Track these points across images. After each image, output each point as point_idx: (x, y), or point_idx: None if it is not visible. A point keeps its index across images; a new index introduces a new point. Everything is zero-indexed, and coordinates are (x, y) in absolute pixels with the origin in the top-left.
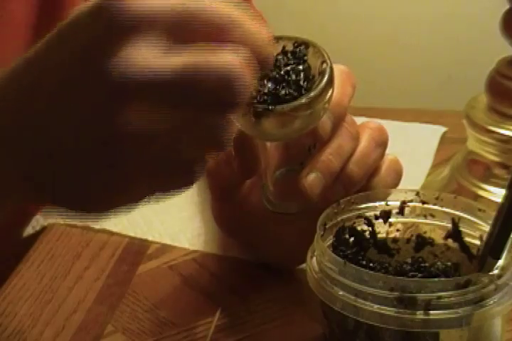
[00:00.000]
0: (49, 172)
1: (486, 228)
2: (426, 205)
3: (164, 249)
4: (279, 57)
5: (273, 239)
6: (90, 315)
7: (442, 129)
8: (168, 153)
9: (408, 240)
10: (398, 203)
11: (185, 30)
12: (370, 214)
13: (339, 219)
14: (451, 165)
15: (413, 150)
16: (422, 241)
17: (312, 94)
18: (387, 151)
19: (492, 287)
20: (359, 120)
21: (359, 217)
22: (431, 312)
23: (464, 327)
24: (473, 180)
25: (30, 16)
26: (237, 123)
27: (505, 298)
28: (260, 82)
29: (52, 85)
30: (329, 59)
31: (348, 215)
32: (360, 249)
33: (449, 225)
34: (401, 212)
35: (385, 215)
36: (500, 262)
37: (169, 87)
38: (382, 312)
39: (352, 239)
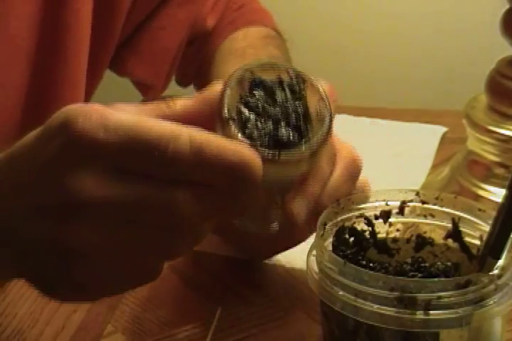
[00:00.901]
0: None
1: (486, 228)
2: (426, 205)
3: None
4: (276, 89)
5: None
6: (90, 314)
7: (443, 129)
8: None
9: (408, 240)
10: (398, 203)
11: (135, 162)
12: (370, 214)
13: (339, 219)
14: (451, 165)
15: (413, 150)
16: (422, 241)
17: (315, 144)
18: (389, 151)
19: (492, 287)
20: (359, 120)
21: (359, 216)
22: (431, 312)
23: (464, 327)
24: (474, 180)
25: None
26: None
27: (505, 298)
28: (259, 118)
29: (5, 189)
30: (327, 97)
31: (348, 215)
32: (360, 249)
33: (449, 225)
34: (401, 212)
35: (385, 215)
36: (501, 262)
37: (115, 212)
38: (382, 312)
39: (352, 238)
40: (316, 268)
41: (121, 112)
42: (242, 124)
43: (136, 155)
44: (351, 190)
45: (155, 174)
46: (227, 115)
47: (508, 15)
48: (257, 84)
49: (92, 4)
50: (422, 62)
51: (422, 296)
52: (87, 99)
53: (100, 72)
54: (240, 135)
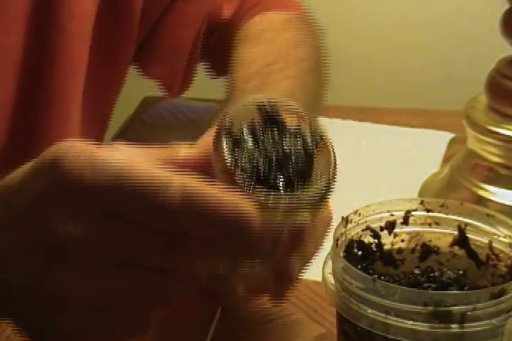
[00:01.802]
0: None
1: (495, 233)
2: (431, 213)
3: None
4: (273, 131)
5: None
6: None
7: (450, 135)
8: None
9: (413, 250)
10: (403, 213)
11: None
12: (376, 225)
13: (347, 233)
14: (451, 165)
15: (420, 156)
16: (426, 250)
17: (320, 193)
18: (396, 157)
19: None
20: (364, 125)
21: (365, 229)
22: (466, 324)
23: (498, 338)
24: (474, 180)
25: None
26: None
27: None
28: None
29: None
30: (335, 163)
31: (356, 228)
32: (368, 263)
33: (455, 232)
34: (405, 221)
35: (390, 226)
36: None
37: (101, 257)
38: (416, 328)
39: (360, 252)
40: (337, 286)
41: (115, 152)
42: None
43: (122, 198)
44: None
45: (143, 221)
46: (231, 165)
47: (508, 15)
48: (272, 121)
49: (92, 19)
50: (422, 62)
51: (457, 309)
52: (109, 105)
53: (120, 78)
54: (243, 183)
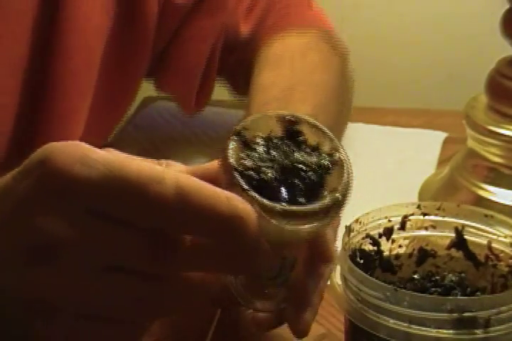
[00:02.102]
0: None
1: (494, 234)
2: (427, 217)
3: None
4: (289, 146)
5: None
6: None
7: (443, 135)
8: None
9: (410, 255)
10: (400, 218)
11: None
12: (375, 232)
13: (350, 242)
14: (451, 165)
15: (415, 156)
16: (424, 254)
17: (323, 206)
18: (390, 158)
19: None
20: (358, 126)
21: (365, 237)
22: (490, 329)
23: None
24: (474, 180)
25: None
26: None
27: None
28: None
29: None
30: (342, 147)
31: (357, 238)
32: (370, 271)
33: (453, 235)
34: (402, 227)
35: (388, 232)
36: None
37: (87, 258)
38: (440, 335)
39: (362, 261)
40: (351, 297)
41: (106, 151)
42: (249, 175)
43: (113, 193)
44: None
45: (133, 219)
46: (234, 164)
47: (508, 15)
48: (291, 136)
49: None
50: (422, 62)
51: (482, 314)
52: (118, 115)
53: (132, 90)
54: (244, 185)
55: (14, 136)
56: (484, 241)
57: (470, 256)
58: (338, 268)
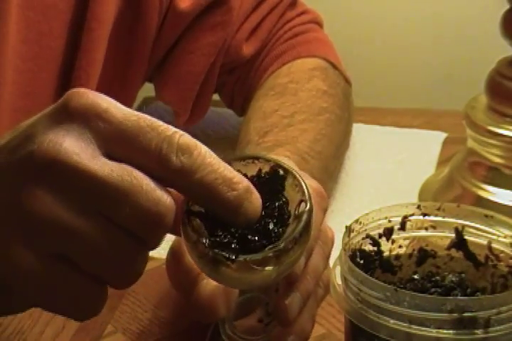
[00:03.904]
0: None
1: (494, 234)
2: (427, 217)
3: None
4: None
5: None
6: None
7: (443, 135)
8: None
9: (410, 255)
10: (400, 219)
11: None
12: (375, 232)
13: (351, 243)
14: (451, 165)
15: (415, 157)
16: (424, 255)
17: (281, 246)
18: (390, 158)
19: None
20: (358, 126)
21: (365, 237)
22: (490, 329)
23: None
24: (474, 180)
25: None
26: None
27: None
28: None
29: None
30: (310, 198)
31: (357, 238)
32: (370, 271)
33: (452, 235)
34: (402, 227)
35: (388, 232)
36: None
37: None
38: (440, 335)
39: (362, 261)
40: (351, 297)
41: None
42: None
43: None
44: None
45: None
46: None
47: (508, 15)
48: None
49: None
50: (422, 62)
51: (482, 314)
52: None
53: (133, 91)
54: (201, 238)
55: None
56: (484, 242)
57: (470, 256)
58: (338, 268)
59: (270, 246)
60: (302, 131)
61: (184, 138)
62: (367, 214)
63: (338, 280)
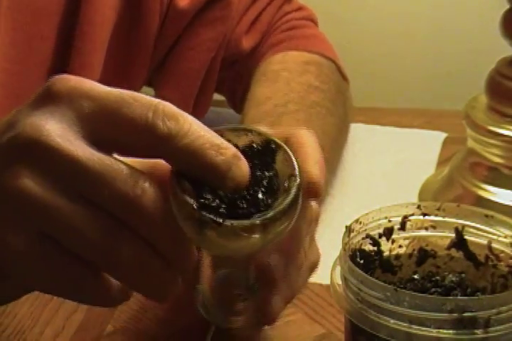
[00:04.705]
0: None
1: (494, 234)
2: (427, 217)
3: None
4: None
5: None
6: (90, 315)
7: (443, 135)
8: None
9: (410, 255)
10: (400, 219)
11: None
12: (375, 232)
13: (351, 242)
14: (451, 165)
15: (415, 157)
16: (424, 255)
17: (270, 215)
18: (390, 158)
19: None
20: (357, 126)
21: (365, 237)
22: (490, 329)
23: None
24: (474, 180)
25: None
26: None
27: None
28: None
29: None
30: (300, 173)
31: (357, 238)
32: (370, 271)
33: (452, 235)
34: (402, 227)
35: (388, 232)
36: None
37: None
38: (440, 335)
39: (362, 261)
40: (351, 297)
41: None
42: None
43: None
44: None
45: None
46: (177, 175)
47: (508, 15)
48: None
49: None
50: (422, 62)
51: (482, 314)
52: None
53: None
54: (189, 199)
55: None
56: (484, 241)
57: (470, 256)
58: (338, 268)
59: (259, 214)
60: (296, 120)
61: (170, 106)
62: (367, 214)
63: (338, 280)
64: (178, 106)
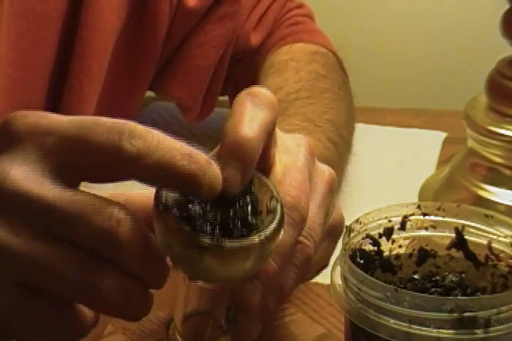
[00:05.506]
0: None
1: (494, 234)
2: (427, 217)
3: None
4: None
5: None
6: None
7: (443, 135)
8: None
9: (410, 255)
10: (400, 219)
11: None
12: (375, 232)
13: (351, 242)
14: (451, 165)
15: (415, 157)
16: (424, 255)
17: (268, 233)
18: (390, 158)
19: None
20: (357, 126)
21: (366, 237)
22: (490, 328)
23: None
24: (474, 180)
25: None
26: (174, 258)
27: None
28: (203, 207)
29: None
30: (278, 194)
31: (357, 238)
32: (370, 271)
33: (452, 235)
34: (403, 227)
35: (388, 232)
36: None
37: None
38: (440, 335)
39: (362, 261)
40: (351, 297)
41: None
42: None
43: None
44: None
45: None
46: (163, 203)
47: (508, 15)
48: None
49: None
50: (422, 62)
51: (482, 314)
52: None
53: (140, 94)
54: (185, 226)
55: None
56: (484, 241)
57: (470, 256)
58: (338, 268)
59: (256, 232)
60: (309, 104)
61: (135, 126)
62: (367, 214)
63: (338, 280)
64: (187, 104)
